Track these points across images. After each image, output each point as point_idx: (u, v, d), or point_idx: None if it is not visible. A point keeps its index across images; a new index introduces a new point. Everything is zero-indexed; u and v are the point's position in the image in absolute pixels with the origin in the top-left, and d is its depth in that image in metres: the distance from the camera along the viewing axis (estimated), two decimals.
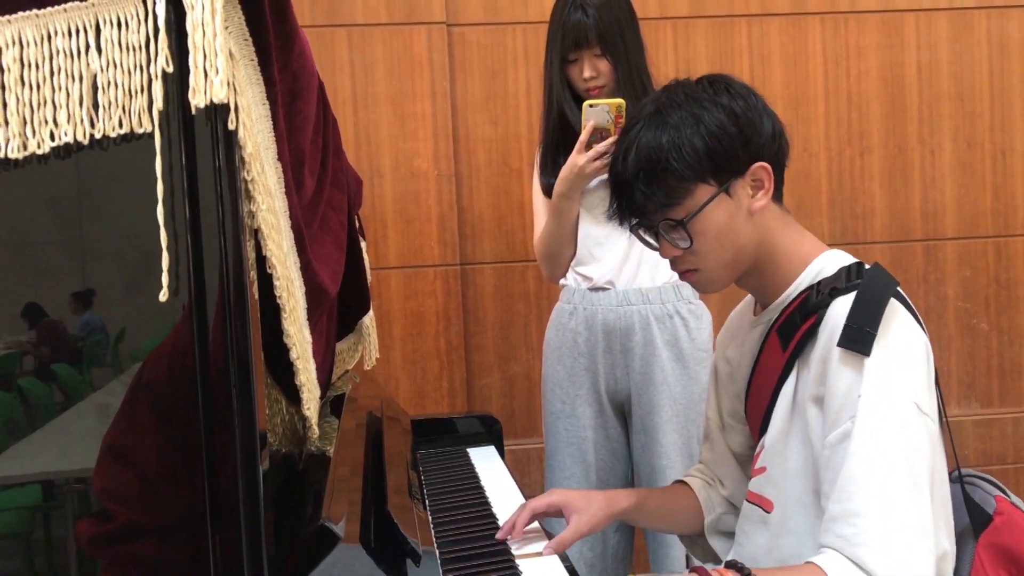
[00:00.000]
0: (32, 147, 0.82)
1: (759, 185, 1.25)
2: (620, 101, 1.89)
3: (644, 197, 1.25)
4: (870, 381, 1.11)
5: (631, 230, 1.32)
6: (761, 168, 1.24)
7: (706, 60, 2.74)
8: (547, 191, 2.07)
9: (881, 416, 1.10)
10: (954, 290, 2.88)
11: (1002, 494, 1.26)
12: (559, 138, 2.05)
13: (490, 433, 2.01)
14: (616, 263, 2.03)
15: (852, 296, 1.16)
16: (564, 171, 1.95)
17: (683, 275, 1.30)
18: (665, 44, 2.74)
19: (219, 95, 0.78)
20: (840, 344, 1.13)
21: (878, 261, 1.26)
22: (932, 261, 2.87)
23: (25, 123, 0.82)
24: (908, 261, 2.86)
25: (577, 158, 1.91)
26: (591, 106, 1.88)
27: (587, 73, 2.00)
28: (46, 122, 0.82)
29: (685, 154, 1.22)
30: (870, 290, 1.16)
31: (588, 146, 1.90)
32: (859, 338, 1.12)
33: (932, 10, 2.83)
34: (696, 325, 2.04)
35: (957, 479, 1.26)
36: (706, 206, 1.23)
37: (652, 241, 1.31)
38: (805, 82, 2.80)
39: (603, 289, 2.05)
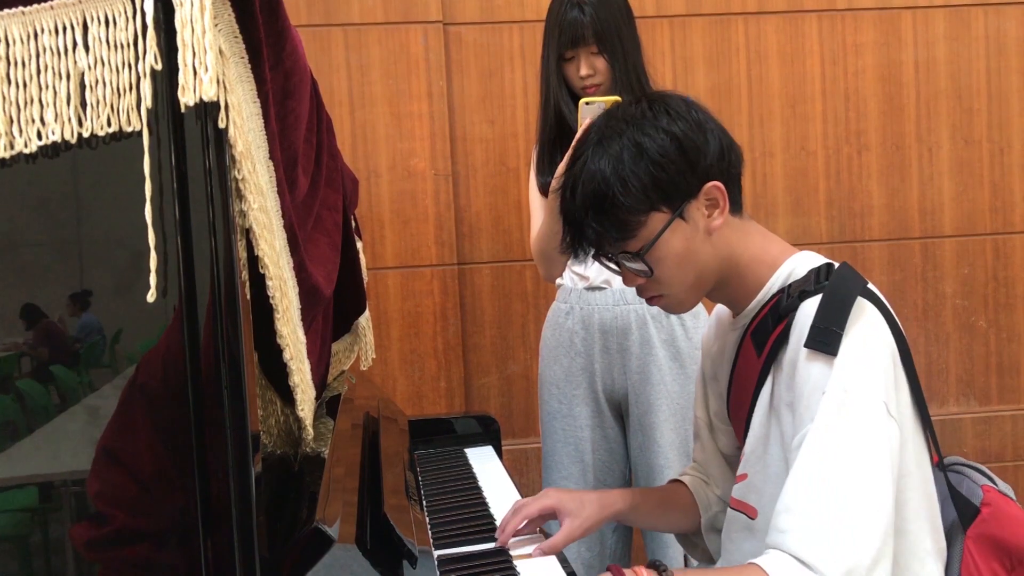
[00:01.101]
0: (19, 146, 0.81)
1: (714, 204, 1.22)
2: (617, 99, 1.87)
3: (597, 234, 1.22)
4: (835, 379, 1.09)
5: (592, 258, 1.29)
6: (714, 188, 1.21)
7: (703, 59, 2.73)
8: (544, 190, 2.06)
9: (837, 412, 1.08)
10: (952, 288, 2.87)
11: (989, 482, 1.24)
12: (556, 136, 2.04)
13: (488, 433, 2.00)
14: None
15: (819, 297, 1.15)
16: (560, 169, 1.94)
17: (650, 301, 1.28)
18: (662, 43, 2.73)
19: (209, 93, 0.77)
20: (807, 344, 1.12)
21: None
22: (930, 259, 2.86)
23: (12, 122, 0.81)
24: (906, 259, 2.85)
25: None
26: (588, 104, 1.87)
27: (584, 71, 1.99)
28: (33, 121, 0.81)
29: (632, 187, 1.18)
30: (836, 290, 1.15)
31: None
32: (825, 338, 1.11)
33: (929, 7, 2.82)
34: (693, 324, 2.03)
35: (942, 468, 1.24)
36: (661, 235, 1.20)
37: (615, 267, 1.28)
38: (802, 80, 2.79)
39: (599, 288, 2.04)
